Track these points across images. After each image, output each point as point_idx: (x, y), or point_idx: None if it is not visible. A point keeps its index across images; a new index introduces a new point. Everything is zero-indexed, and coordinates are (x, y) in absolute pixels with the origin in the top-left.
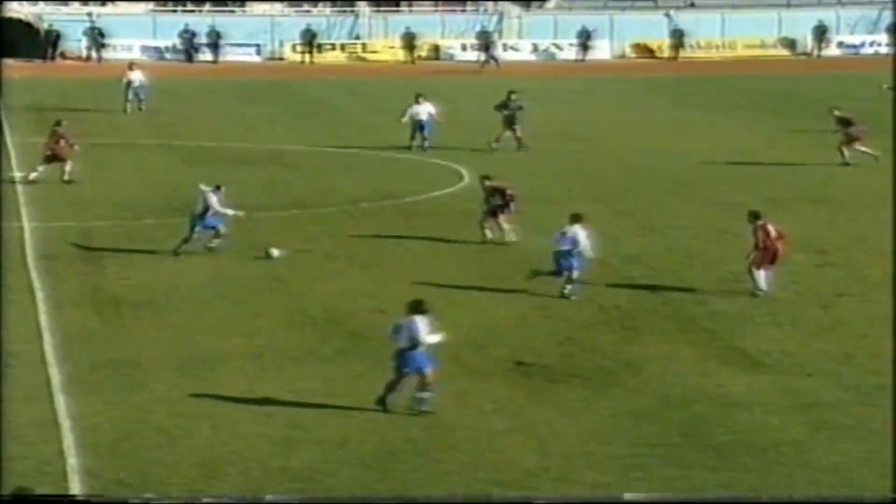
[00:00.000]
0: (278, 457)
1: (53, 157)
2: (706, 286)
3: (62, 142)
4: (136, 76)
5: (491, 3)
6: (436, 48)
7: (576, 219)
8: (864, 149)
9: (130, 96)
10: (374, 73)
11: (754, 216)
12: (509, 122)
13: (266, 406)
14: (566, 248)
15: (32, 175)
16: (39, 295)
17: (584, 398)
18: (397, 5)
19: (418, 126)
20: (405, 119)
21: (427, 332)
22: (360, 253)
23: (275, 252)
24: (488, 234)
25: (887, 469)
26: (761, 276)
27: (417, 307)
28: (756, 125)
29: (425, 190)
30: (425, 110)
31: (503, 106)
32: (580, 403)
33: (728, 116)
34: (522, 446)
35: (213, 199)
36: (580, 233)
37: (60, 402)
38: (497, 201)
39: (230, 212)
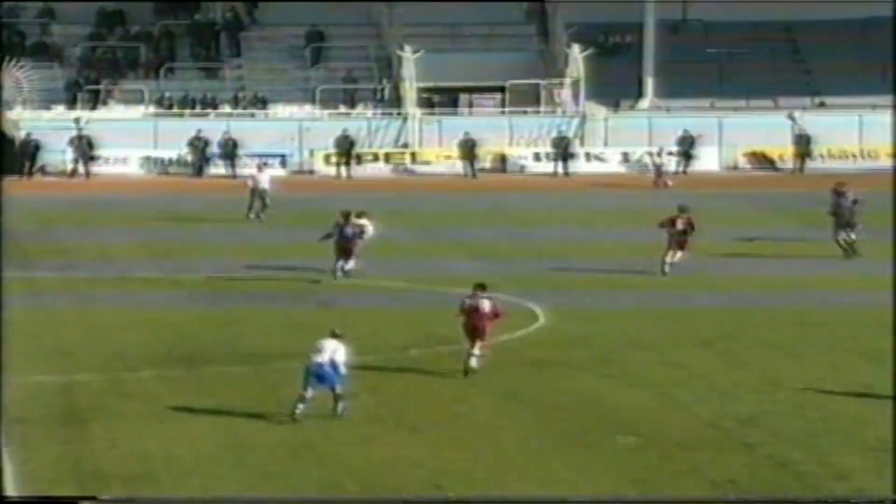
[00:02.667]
0: None
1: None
2: (848, 457)
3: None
4: (264, 178)
5: (570, 103)
6: (502, 157)
7: None
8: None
9: (256, 202)
10: (425, 189)
11: None
12: (844, 224)
13: None
14: None
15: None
16: (8, 468)
17: None
18: (454, 105)
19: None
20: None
21: None
22: (409, 412)
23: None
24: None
25: None
26: None
27: None
28: None
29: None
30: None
31: (835, 205)
32: None
33: (870, 242)
34: None
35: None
36: None
37: None
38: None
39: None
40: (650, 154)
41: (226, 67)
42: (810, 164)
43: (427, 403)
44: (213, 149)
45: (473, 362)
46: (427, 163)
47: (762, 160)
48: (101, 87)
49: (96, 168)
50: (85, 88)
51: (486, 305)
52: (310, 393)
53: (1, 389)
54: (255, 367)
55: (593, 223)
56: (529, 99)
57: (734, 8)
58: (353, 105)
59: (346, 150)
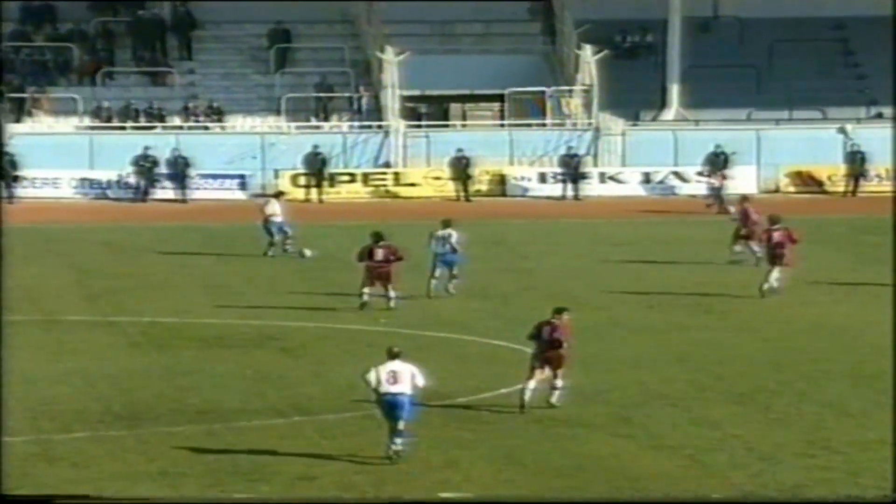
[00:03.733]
0: None
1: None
2: None
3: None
4: (276, 209)
5: (582, 114)
6: (501, 179)
7: None
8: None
9: (277, 236)
10: (410, 216)
11: None
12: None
13: None
14: None
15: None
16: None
17: None
18: (445, 117)
19: (441, 260)
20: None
21: None
22: (391, 479)
23: (308, 253)
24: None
25: None
26: None
27: None
28: None
29: (488, 385)
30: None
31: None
32: None
33: None
34: None
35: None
36: None
37: None
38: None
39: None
40: (566, 175)
41: (174, 72)
42: (865, 186)
43: (412, 469)
44: (161, 169)
45: (555, 398)
46: (413, 185)
47: (808, 181)
48: (27, 95)
49: (21, 191)
50: (7, 97)
51: (546, 332)
52: (401, 424)
53: (1, 389)
54: (208, 427)
55: (608, 256)
56: (533, 110)
57: (775, 2)
58: (325, 117)
59: (317, 169)
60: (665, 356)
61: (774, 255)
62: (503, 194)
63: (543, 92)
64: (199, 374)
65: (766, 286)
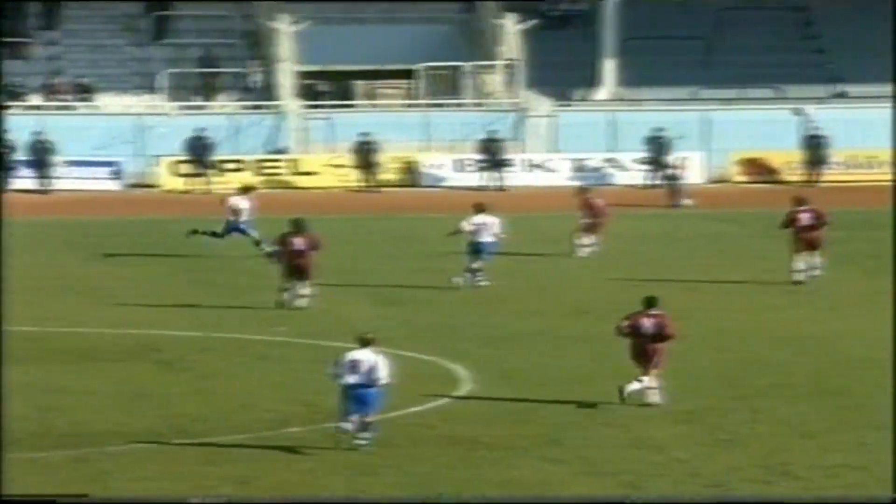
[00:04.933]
0: None
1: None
2: None
3: None
4: (243, 204)
5: (503, 93)
6: (412, 166)
7: None
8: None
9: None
10: (307, 208)
11: None
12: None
13: None
14: None
15: None
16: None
17: None
18: (348, 97)
19: (475, 249)
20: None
21: None
22: None
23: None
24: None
25: None
26: None
27: None
28: None
29: (398, 403)
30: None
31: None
32: None
33: None
34: None
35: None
36: None
37: None
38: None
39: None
40: (486, 162)
41: (35, 43)
42: (826, 174)
43: (312, 499)
44: (19, 154)
45: (654, 397)
46: (311, 174)
47: (761, 169)
48: None
49: None
50: None
51: (647, 325)
52: (355, 417)
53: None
54: (77, 452)
55: (535, 255)
56: (448, 88)
57: None
58: (210, 96)
59: (200, 156)
60: (602, 369)
61: (809, 240)
62: (414, 184)
63: (460, 67)
64: (65, 392)
65: (800, 275)
